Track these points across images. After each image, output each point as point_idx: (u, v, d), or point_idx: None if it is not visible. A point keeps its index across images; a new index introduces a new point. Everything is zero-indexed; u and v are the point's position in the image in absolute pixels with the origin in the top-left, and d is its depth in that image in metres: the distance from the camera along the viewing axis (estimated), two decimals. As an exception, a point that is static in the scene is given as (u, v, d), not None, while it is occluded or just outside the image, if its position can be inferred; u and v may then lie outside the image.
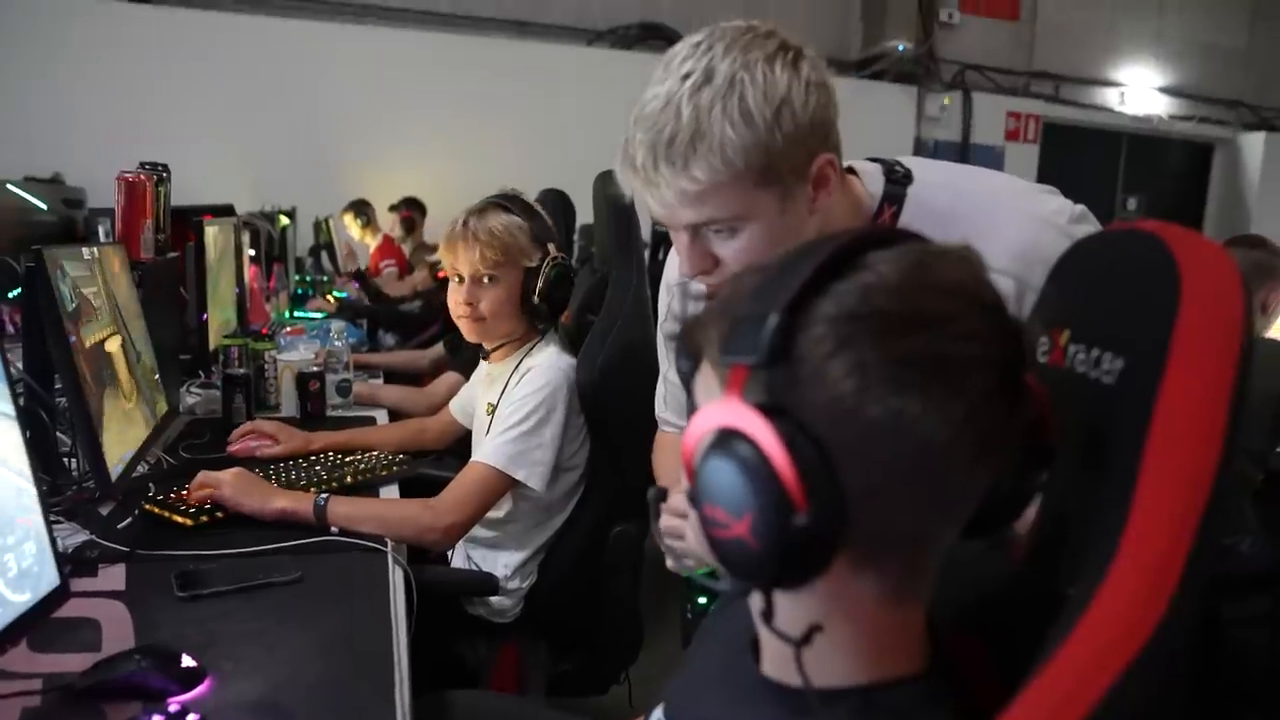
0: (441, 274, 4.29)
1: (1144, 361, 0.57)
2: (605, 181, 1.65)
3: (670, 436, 1.31)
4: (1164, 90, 9.04)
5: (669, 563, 1.03)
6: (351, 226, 5.83)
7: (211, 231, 2.30)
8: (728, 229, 0.91)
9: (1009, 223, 0.95)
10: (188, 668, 0.96)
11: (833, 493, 0.50)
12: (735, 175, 0.86)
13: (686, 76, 0.87)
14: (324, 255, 5.50)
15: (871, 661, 0.59)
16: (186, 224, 2.26)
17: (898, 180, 1.02)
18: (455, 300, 1.63)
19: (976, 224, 0.91)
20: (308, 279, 4.95)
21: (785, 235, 0.91)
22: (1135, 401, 0.56)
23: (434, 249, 4.68)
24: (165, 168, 1.90)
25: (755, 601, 0.56)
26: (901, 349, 0.51)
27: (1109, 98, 8.91)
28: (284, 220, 4.48)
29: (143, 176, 1.76)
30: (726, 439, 0.52)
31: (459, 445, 2.13)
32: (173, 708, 0.85)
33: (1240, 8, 9.18)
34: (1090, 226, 0.97)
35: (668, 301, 1.20)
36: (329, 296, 4.33)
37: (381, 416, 2.25)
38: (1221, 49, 9.12)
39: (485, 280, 1.60)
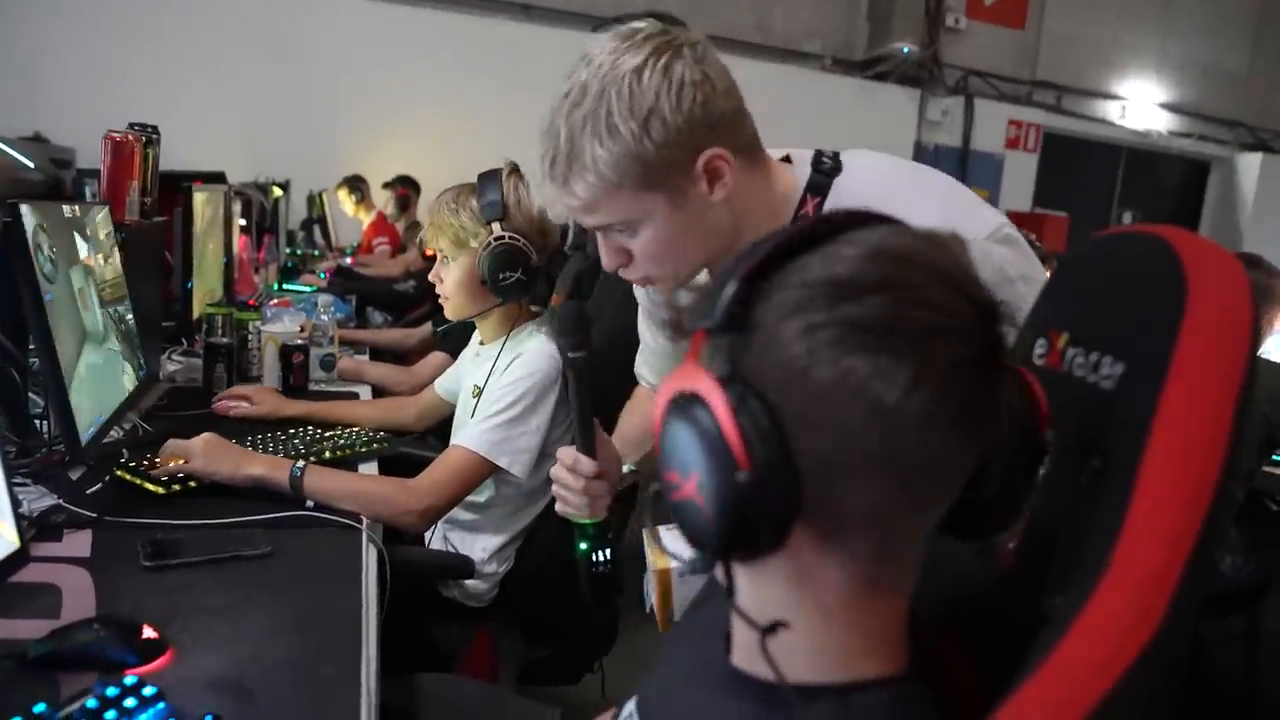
0: (428, 252, 4.30)
1: (1145, 367, 0.55)
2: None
3: (643, 393, 1.39)
4: (1164, 106, 9.06)
5: (558, 506, 1.10)
6: (345, 202, 5.79)
7: (200, 198, 2.26)
8: (627, 229, 0.96)
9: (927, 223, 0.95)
10: (148, 640, 0.93)
11: (779, 454, 0.50)
12: (614, 187, 0.90)
13: (566, 94, 0.91)
14: (316, 229, 5.45)
15: (848, 658, 0.57)
16: (175, 189, 2.22)
17: (825, 171, 1.03)
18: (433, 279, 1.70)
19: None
20: (299, 252, 4.90)
21: (687, 227, 0.95)
22: (1134, 409, 0.55)
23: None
24: (155, 129, 1.87)
25: (719, 576, 0.55)
26: (852, 312, 0.51)
27: (1110, 111, 8.92)
28: (277, 192, 4.43)
29: (130, 137, 1.73)
30: (680, 402, 0.53)
31: (440, 426, 2.11)
32: (128, 679, 0.82)
33: (1243, 30, 9.21)
34: (1010, 249, 0.98)
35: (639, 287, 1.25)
36: (316, 273, 4.30)
37: (365, 393, 2.23)
38: (1222, 69, 9.15)
39: (445, 262, 1.65)
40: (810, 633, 0.56)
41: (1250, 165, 9.22)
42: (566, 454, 1.04)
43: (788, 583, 0.55)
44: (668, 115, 0.88)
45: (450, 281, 1.64)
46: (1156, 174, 9.42)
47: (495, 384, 1.54)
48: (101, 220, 1.57)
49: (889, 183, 1.02)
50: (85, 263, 1.43)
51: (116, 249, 1.64)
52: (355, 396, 2.15)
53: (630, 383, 1.45)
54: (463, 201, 1.61)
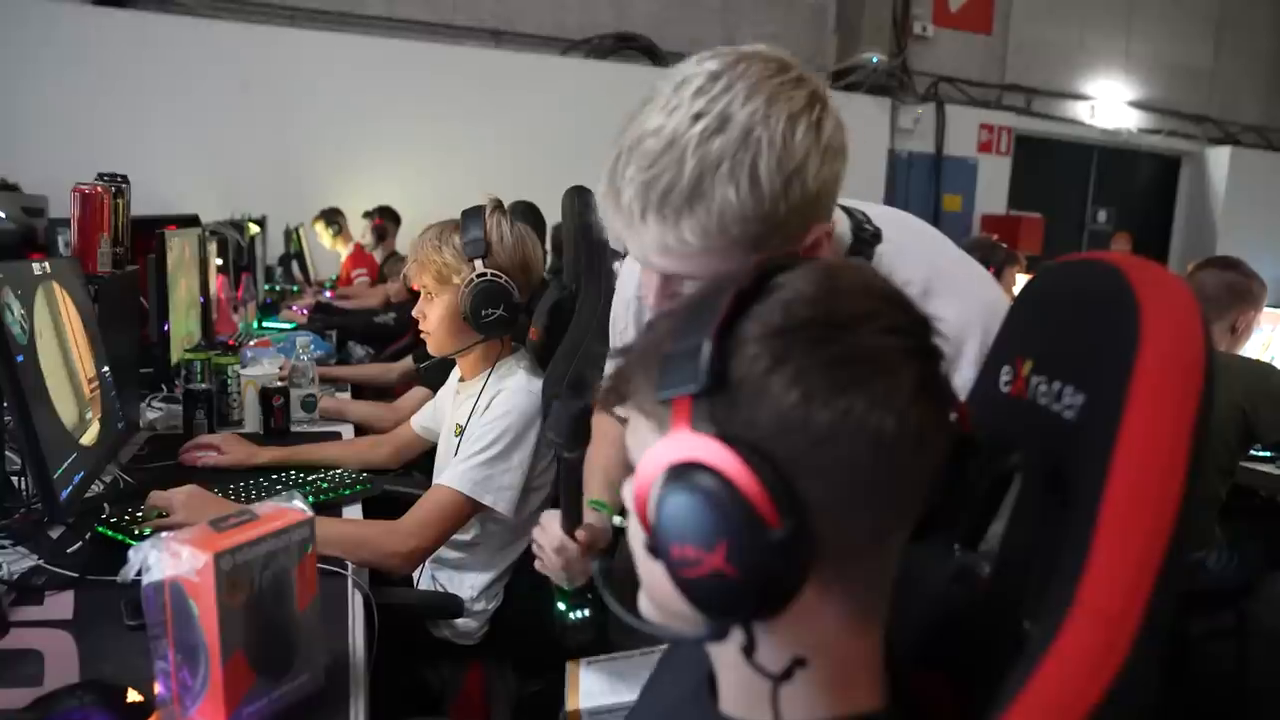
0: (415, 286, 4.29)
1: (1104, 398, 0.56)
2: (574, 199, 1.63)
3: (604, 421, 1.30)
4: (1133, 104, 9.18)
5: (536, 564, 1.08)
6: (323, 235, 5.79)
7: (174, 243, 2.25)
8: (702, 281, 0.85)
9: (978, 288, 0.98)
10: (132, 703, 0.93)
11: (798, 504, 0.50)
12: (728, 242, 0.77)
13: (698, 117, 0.75)
14: (294, 264, 5.44)
15: (837, 697, 0.58)
16: (148, 234, 2.22)
17: (866, 240, 0.97)
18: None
19: (947, 287, 0.92)
20: (277, 288, 4.89)
21: None
22: (1094, 440, 0.55)
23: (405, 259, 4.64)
24: (124, 178, 1.86)
25: (734, 638, 0.54)
26: (836, 351, 0.52)
27: (1079, 111, 9.03)
28: (253, 229, 4.42)
29: (99, 189, 1.72)
30: (682, 473, 0.51)
31: (420, 460, 2.10)
32: (114, 748, 0.82)
33: (1204, 27, 9.36)
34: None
35: (621, 315, 1.20)
36: (294, 309, 4.28)
37: (348, 432, 2.22)
38: (1188, 66, 9.29)
39: (429, 297, 1.66)
40: (808, 675, 0.56)
41: (1219, 159, 9.35)
42: (552, 526, 1.02)
43: (789, 629, 0.55)
44: (809, 180, 0.77)
45: (433, 318, 1.65)
46: (1129, 171, 9.53)
47: (476, 422, 1.54)
48: (73, 274, 1.57)
49: (930, 257, 1.00)
50: (56, 321, 1.43)
51: (90, 303, 1.63)
52: (338, 436, 2.14)
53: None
54: (445, 238, 1.61)
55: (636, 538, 0.58)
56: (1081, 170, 9.38)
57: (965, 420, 0.60)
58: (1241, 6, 9.41)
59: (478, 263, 1.56)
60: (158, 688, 0.89)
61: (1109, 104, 9.08)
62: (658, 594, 0.59)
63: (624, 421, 0.61)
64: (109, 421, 1.61)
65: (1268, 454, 2.51)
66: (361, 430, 2.26)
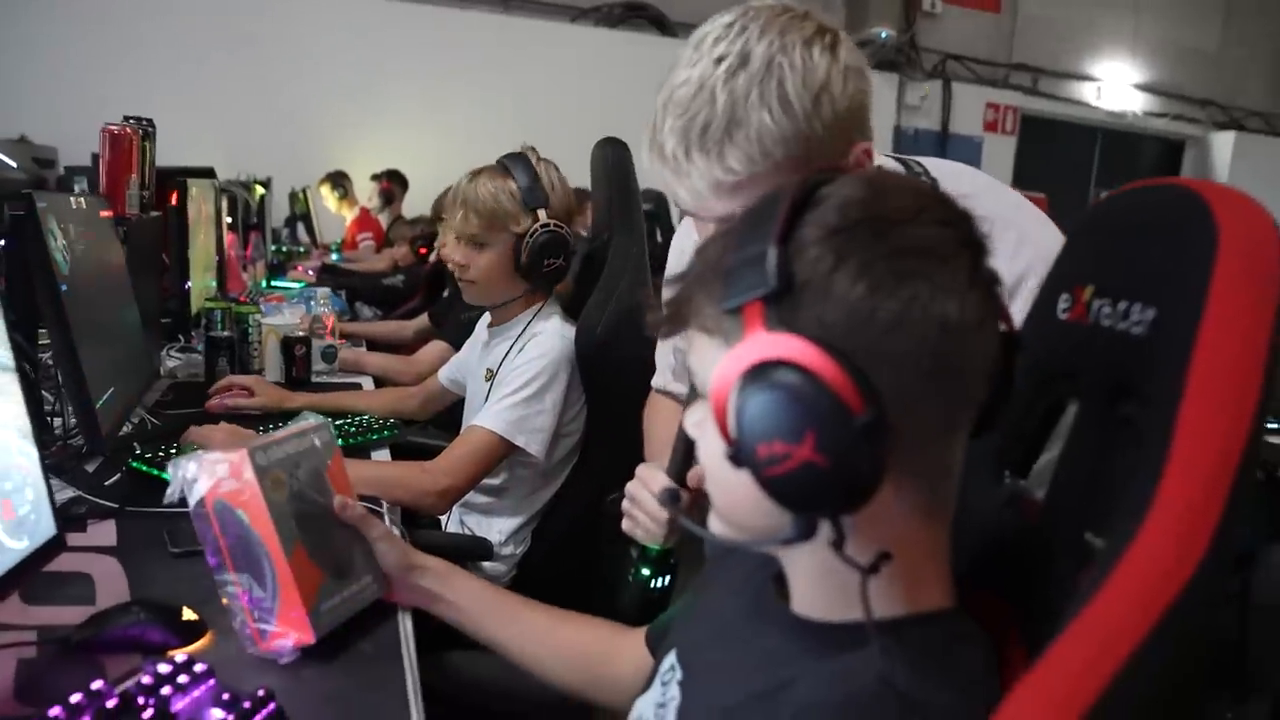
0: (423, 250, 4.29)
1: (1178, 309, 0.57)
2: (607, 149, 1.63)
3: (668, 403, 1.30)
4: (1139, 87, 9.15)
5: (624, 524, 1.06)
6: (328, 198, 5.76)
7: (195, 192, 2.25)
8: None
9: (1037, 230, 0.99)
10: (188, 621, 0.94)
11: (875, 392, 0.52)
12: (772, 165, 0.82)
13: (720, 60, 0.82)
14: (300, 226, 5.42)
15: (913, 593, 0.60)
16: (166, 185, 2.21)
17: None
18: (449, 261, 1.65)
19: (1007, 232, 0.91)
20: (284, 249, 4.88)
21: None
22: (1169, 347, 0.57)
23: (415, 223, 4.63)
24: (150, 122, 1.86)
25: (819, 536, 0.55)
26: (895, 243, 0.55)
27: (1086, 92, 9.00)
28: (259, 190, 4.41)
29: (128, 129, 1.72)
30: (763, 372, 0.53)
31: (442, 416, 2.12)
32: (180, 657, 0.83)
33: (1213, 11, 9.32)
34: None
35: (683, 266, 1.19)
36: (301, 269, 4.27)
37: (366, 384, 2.23)
38: (1195, 49, 9.25)
39: (474, 245, 1.61)
40: (888, 567, 0.57)
41: (1224, 144, 9.33)
42: (650, 475, 1.00)
43: (868, 523, 0.56)
44: (837, 96, 0.82)
45: (482, 266, 1.61)
46: (1133, 154, 9.51)
47: (509, 365, 1.55)
48: (104, 213, 1.57)
49: (988, 204, 1.01)
50: (92, 256, 1.43)
51: (120, 243, 1.64)
52: (358, 387, 2.15)
53: (641, 358, 1.45)
54: (501, 185, 1.58)
55: (713, 454, 0.59)
56: (1086, 151, 9.37)
57: (1007, 319, 0.62)
58: (1250, -11, 9.38)
59: (541, 212, 1.56)
60: (234, 623, 0.91)
61: (1115, 86, 9.05)
62: (738, 508, 0.61)
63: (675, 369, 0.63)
64: (140, 362, 1.62)
65: (1276, 425, 2.53)
66: (380, 383, 2.27)
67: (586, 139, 1.64)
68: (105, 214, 1.57)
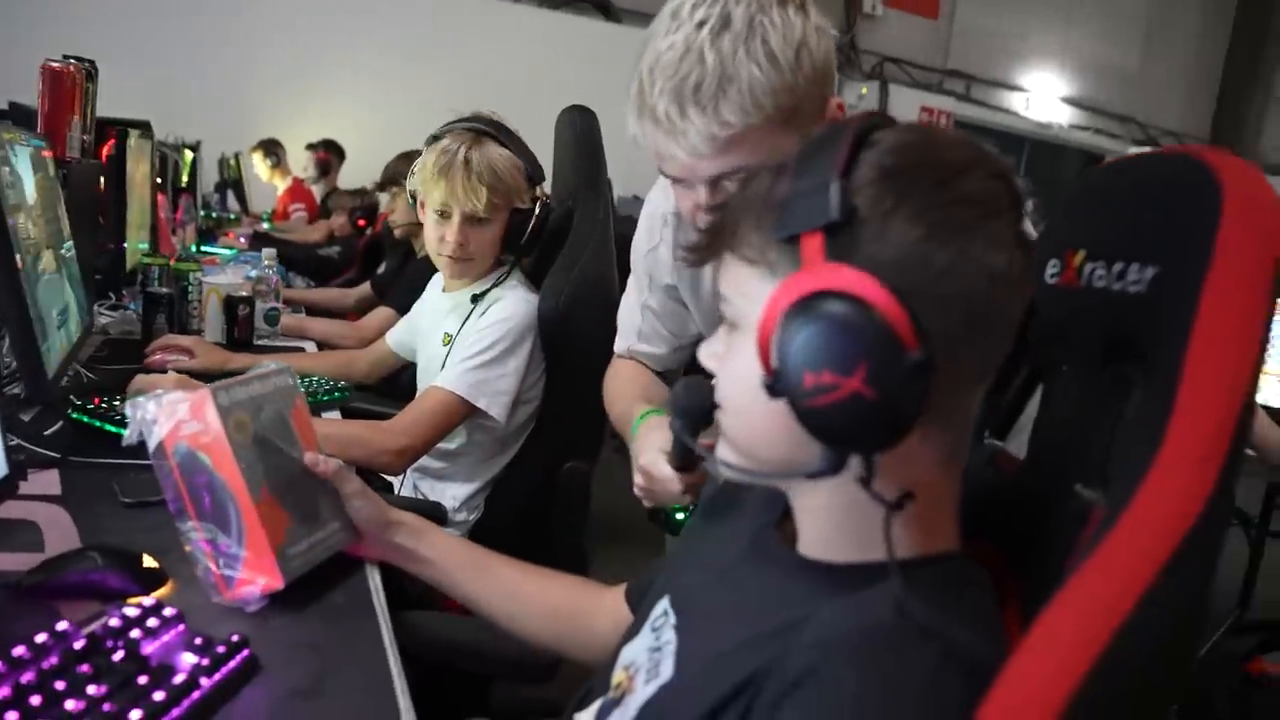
0: (361, 221, 4.19)
1: (1182, 265, 0.60)
2: (574, 115, 1.62)
3: (632, 365, 1.30)
4: (1065, 100, 9.50)
5: (646, 504, 1.05)
6: (260, 166, 5.58)
7: (134, 142, 2.16)
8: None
9: None
10: (149, 569, 0.91)
11: (925, 332, 0.52)
12: (764, 118, 0.86)
13: (702, 23, 0.87)
14: (230, 193, 5.24)
15: (923, 534, 0.61)
16: (100, 135, 2.11)
17: None
18: (442, 238, 1.56)
19: None
20: (214, 215, 4.71)
21: None
22: (1175, 302, 0.59)
23: (355, 194, 4.52)
24: (93, 63, 1.77)
25: (844, 473, 0.55)
26: (952, 192, 0.56)
27: (1015, 102, 9.31)
28: (188, 155, 4.24)
29: (71, 67, 1.63)
30: (820, 302, 0.53)
31: (385, 383, 2.08)
32: (147, 601, 0.80)
33: (1135, 32, 9.72)
34: None
35: (659, 229, 1.19)
36: (232, 235, 4.13)
37: (309, 349, 2.18)
38: (1118, 68, 9.64)
39: (475, 223, 1.55)
40: (908, 507, 0.58)
41: (1140, 159, 9.73)
42: (658, 472, 0.98)
43: (894, 463, 0.57)
44: (814, 51, 0.88)
45: (486, 241, 1.56)
46: (1057, 165, 9.87)
47: (471, 328, 1.53)
48: (43, 153, 1.49)
49: None
50: (34, 197, 1.36)
51: (60, 187, 1.56)
52: (302, 351, 2.10)
53: (605, 326, 1.45)
54: (508, 156, 1.54)
55: (741, 383, 0.60)
56: (1013, 159, 9.68)
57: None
58: (1169, 14, 9.80)
59: (543, 187, 1.55)
60: (197, 571, 0.88)
61: (1043, 98, 9.38)
62: (762, 439, 0.61)
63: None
64: (78, 312, 1.54)
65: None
66: (324, 348, 2.22)
67: (524, 117, 1.61)
68: (46, 154, 1.49)
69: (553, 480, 1.61)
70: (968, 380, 0.59)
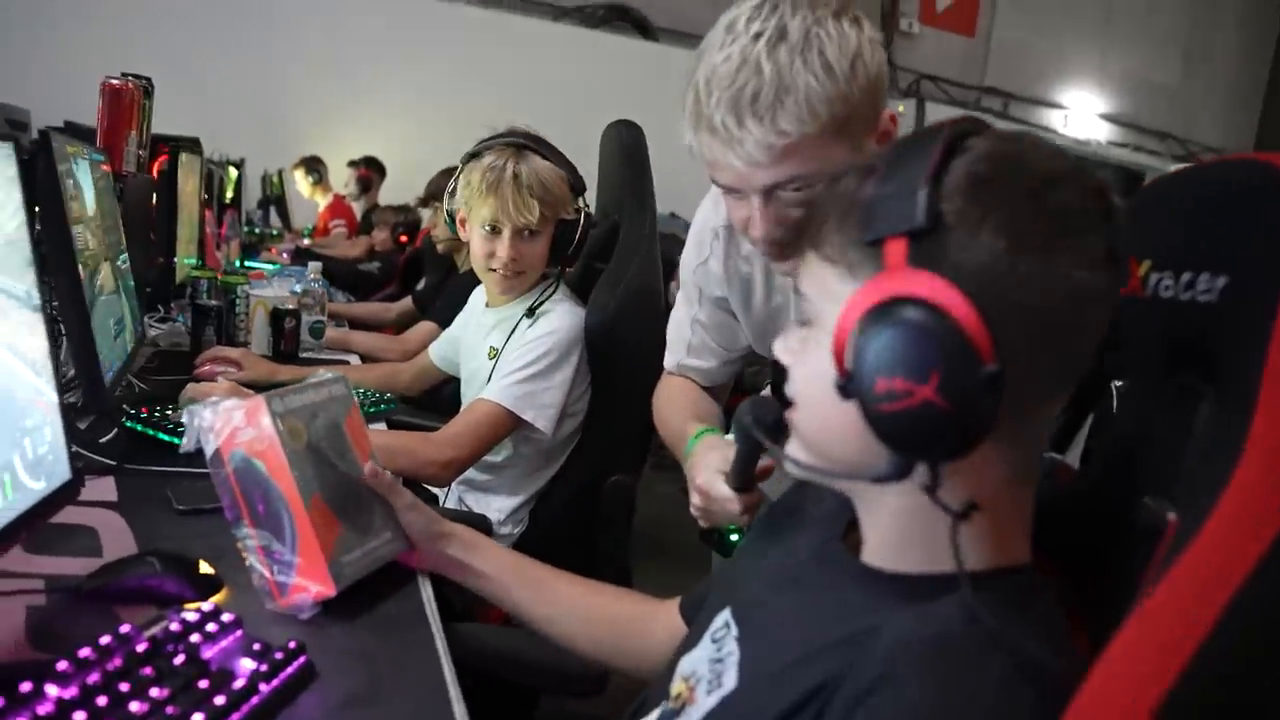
0: (403, 237, 4.24)
1: (1257, 273, 0.59)
2: (620, 130, 1.63)
3: (682, 381, 1.30)
4: (1104, 116, 9.40)
5: (702, 524, 1.04)
6: (302, 183, 5.69)
7: (184, 159, 2.20)
8: (805, 185, 0.91)
9: None
10: (205, 575, 0.92)
11: (1002, 345, 0.52)
12: (820, 127, 0.87)
13: (758, 35, 0.88)
14: (273, 210, 5.33)
15: (992, 546, 0.60)
16: (152, 151, 2.16)
17: None
18: (494, 253, 1.55)
19: None
20: (256, 231, 4.79)
21: None
22: (1250, 310, 0.58)
23: (397, 210, 4.58)
24: (149, 80, 1.81)
25: (909, 481, 0.55)
26: (1043, 205, 0.55)
27: (1053, 119, 9.22)
28: (233, 172, 4.32)
29: (130, 84, 1.67)
30: (899, 307, 0.53)
31: (429, 398, 2.10)
32: (206, 607, 0.81)
33: (1174, 48, 9.61)
34: None
35: (709, 243, 1.20)
36: (275, 251, 4.20)
37: (353, 361, 2.20)
38: (1156, 84, 9.52)
39: (525, 236, 1.55)
40: (976, 518, 0.57)
41: (1181, 176, 9.60)
42: (716, 490, 0.97)
43: (963, 473, 0.57)
44: (868, 62, 0.89)
45: (538, 254, 1.57)
46: (1095, 181, 9.75)
47: (517, 341, 1.53)
48: (103, 167, 1.52)
49: None
50: (95, 208, 1.39)
51: (116, 200, 1.59)
52: (346, 364, 2.12)
53: (651, 339, 1.45)
54: (555, 171, 1.55)
55: (816, 381, 0.60)
56: (1051, 177, 9.58)
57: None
58: (1208, 30, 9.67)
59: (584, 198, 1.57)
60: (254, 580, 0.89)
61: (1081, 114, 9.28)
62: (831, 438, 0.61)
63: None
64: (132, 324, 1.58)
65: None
66: (367, 361, 2.24)
67: (563, 135, 1.62)
68: (105, 168, 1.53)
69: (596, 494, 1.61)
70: (1042, 396, 0.58)
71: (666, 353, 1.33)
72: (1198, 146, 9.85)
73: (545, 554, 1.59)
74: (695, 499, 1.00)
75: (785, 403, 0.67)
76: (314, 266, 2.25)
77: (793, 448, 0.66)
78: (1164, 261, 0.71)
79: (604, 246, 1.64)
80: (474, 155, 1.58)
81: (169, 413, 1.38)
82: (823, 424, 0.62)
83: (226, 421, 0.87)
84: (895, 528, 0.62)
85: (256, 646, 0.77)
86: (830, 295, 0.59)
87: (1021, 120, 9.00)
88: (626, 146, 1.60)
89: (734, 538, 1.05)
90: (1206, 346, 0.63)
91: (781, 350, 0.67)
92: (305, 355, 2.12)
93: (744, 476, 0.92)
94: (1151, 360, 0.71)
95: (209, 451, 0.87)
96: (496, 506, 1.59)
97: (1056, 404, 0.61)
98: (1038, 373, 0.56)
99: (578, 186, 1.58)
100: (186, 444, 0.88)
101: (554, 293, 1.60)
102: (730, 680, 0.66)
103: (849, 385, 0.55)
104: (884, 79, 0.93)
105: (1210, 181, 0.69)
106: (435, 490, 1.62)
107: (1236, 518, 0.52)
